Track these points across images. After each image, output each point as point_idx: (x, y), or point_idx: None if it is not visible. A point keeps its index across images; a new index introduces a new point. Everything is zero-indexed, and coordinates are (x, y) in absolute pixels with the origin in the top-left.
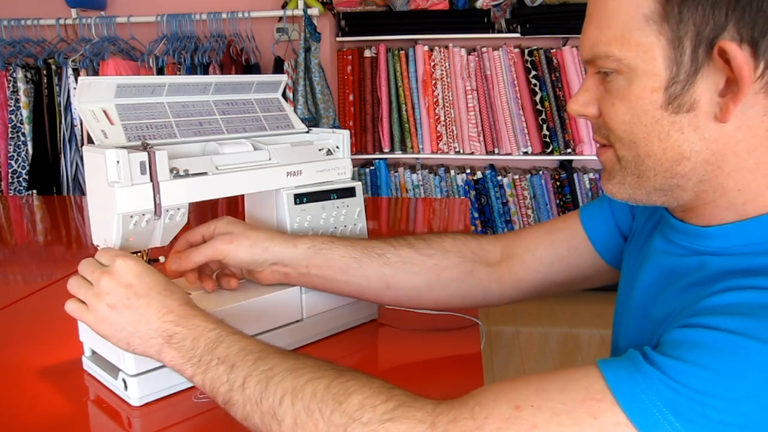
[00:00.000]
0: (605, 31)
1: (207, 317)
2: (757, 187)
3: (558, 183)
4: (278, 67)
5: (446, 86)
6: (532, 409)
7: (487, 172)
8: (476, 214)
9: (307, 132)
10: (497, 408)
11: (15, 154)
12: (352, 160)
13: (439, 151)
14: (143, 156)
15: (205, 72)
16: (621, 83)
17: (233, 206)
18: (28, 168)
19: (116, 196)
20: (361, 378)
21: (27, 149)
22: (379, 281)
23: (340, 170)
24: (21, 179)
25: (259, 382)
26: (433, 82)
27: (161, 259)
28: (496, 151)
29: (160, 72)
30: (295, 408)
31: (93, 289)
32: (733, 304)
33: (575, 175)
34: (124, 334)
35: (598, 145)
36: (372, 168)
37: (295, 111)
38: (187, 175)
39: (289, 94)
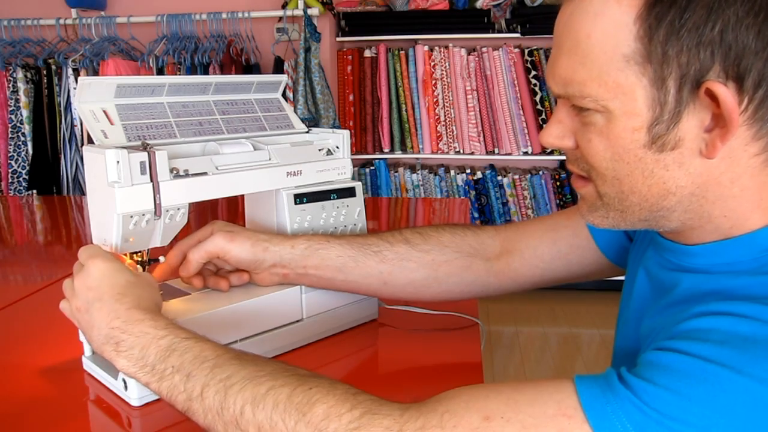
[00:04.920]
0: (579, 70)
1: (156, 321)
2: (743, 212)
3: (558, 183)
4: (278, 67)
5: (446, 86)
6: (502, 420)
7: (487, 172)
8: (476, 214)
9: (307, 132)
10: (467, 417)
11: (15, 154)
12: (352, 160)
13: (439, 151)
14: (143, 156)
15: (205, 72)
16: (599, 120)
17: (233, 206)
18: (28, 168)
19: (116, 196)
20: (324, 384)
21: (27, 149)
22: (377, 279)
23: (340, 170)
24: (21, 179)
25: (217, 392)
26: (433, 82)
27: (161, 259)
28: (496, 151)
29: (160, 72)
30: (258, 418)
31: (70, 290)
32: (708, 330)
33: None
34: (88, 337)
35: (574, 175)
36: (372, 168)
37: (295, 111)
38: (187, 175)
39: (289, 94)
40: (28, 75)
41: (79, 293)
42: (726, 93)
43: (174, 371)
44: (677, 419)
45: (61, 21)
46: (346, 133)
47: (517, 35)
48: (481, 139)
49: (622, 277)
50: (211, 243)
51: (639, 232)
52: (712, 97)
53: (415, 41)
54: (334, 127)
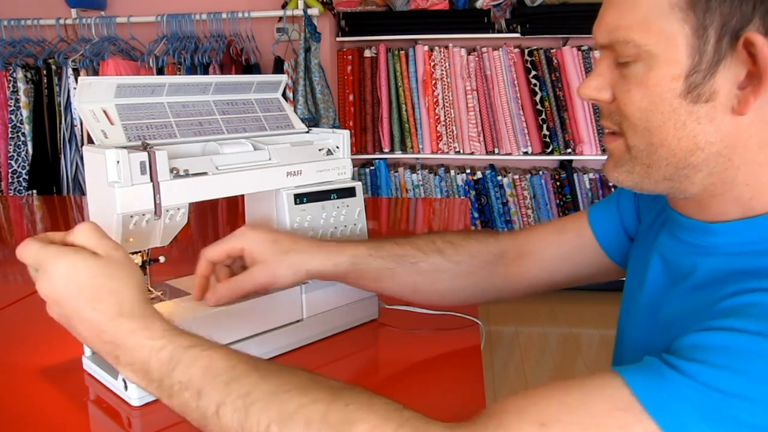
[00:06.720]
0: (626, 16)
1: (150, 329)
2: (766, 182)
3: (558, 183)
4: (278, 67)
5: (446, 86)
6: (559, 424)
7: (487, 172)
8: (476, 214)
9: (307, 132)
10: (522, 428)
11: (15, 154)
12: (352, 160)
13: (439, 151)
14: (143, 156)
15: (205, 72)
16: (639, 69)
17: (233, 206)
18: (28, 168)
19: (116, 196)
20: (361, 399)
21: (27, 149)
22: (408, 288)
23: (340, 170)
24: (21, 179)
25: (236, 410)
26: (433, 82)
27: (161, 259)
28: (496, 151)
29: (160, 72)
30: None
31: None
32: (748, 305)
33: (575, 175)
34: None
35: (606, 131)
36: (372, 168)
37: (295, 111)
38: (187, 175)
39: (289, 94)
40: (28, 75)
41: (50, 307)
42: (763, 43)
43: (182, 387)
44: (739, 396)
45: (61, 21)
46: (346, 133)
47: (517, 35)
48: (481, 139)
49: (623, 278)
50: (252, 284)
51: (640, 234)
52: (750, 52)
53: (415, 41)
54: (334, 127)
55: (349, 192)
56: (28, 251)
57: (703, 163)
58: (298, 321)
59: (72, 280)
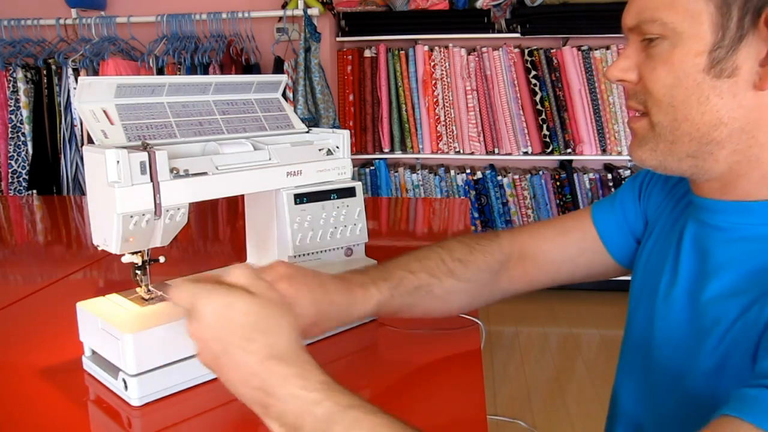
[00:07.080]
0: None
1: (305, 378)
2: None
3: (558, 183)
4: (278, 67)
5: (446, 86)
6: None
7: (487, 172)
8: (476, 214)
9: (307, 132)
10: None
11: (15, 154)
12: (352, 160)
13: (439, 151)
14: (143, 156)
15: (205, 72)
16: (665, 47)
17: (233, 206)
18: (28, 168)
19: (116, 196)
20: None
21: (27, 149)
22: (423, 313)
23: (340, 170)
24: (21, 179)
25: None
26: (433, 82)
27: (161, 259)
28: (496, 151)
29: (160, 72)
30: None
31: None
32: None
33: (575, 175)
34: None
35: (631, 113)
36: (372, 168)
37: (295, 111)
38: (187, 175)
39: (289, 94)
40: (28, 75)
41: (201, 349)
42: None
43: None
44: None
45: (61, 21)
46: (346, 133)
47: (517, 35)
48: (481, 139)
49: (623, 278)
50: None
51: (651, 233)
52: None
53: (415, 41)
54: (334, 127)
55: (349, 192)
56: (182, 291)
57: (726, 139)
58: None
59: (225, 318)
